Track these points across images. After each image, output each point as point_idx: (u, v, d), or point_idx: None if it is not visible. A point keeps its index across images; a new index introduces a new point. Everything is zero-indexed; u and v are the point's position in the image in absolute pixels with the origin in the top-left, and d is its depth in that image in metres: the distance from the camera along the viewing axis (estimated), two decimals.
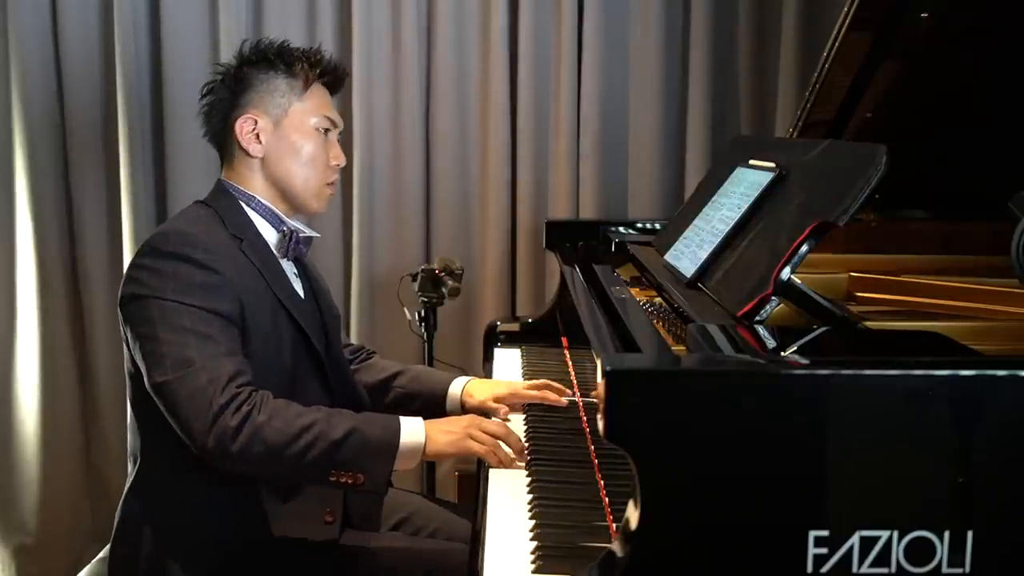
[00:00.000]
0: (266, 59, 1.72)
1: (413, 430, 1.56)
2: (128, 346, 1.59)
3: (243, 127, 1.70)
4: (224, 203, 1.70)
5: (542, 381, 1.92)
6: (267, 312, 1.63)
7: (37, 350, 2.89)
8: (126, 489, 1.69)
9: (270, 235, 1.72)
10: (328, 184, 1.77)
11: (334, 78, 1.79)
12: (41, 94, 2.82)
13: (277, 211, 1.73)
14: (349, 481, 1.51)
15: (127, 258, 2.81)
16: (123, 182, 2.79)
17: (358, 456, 1.50)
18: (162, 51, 2.80)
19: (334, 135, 1.78)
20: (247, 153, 1.71)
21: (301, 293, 1.75)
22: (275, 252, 1.71)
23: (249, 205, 1.71)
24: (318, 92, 1.75)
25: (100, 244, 2.89)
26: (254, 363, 1.56)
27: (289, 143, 1.71)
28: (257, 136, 1.70)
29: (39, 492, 2.95)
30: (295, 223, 1.75)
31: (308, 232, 1.77)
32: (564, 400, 1.87)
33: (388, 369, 1.99)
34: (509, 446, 1.61)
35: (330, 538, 1.65)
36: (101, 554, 1.85)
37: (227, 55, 2.73)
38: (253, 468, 1.50)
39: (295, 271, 1.77)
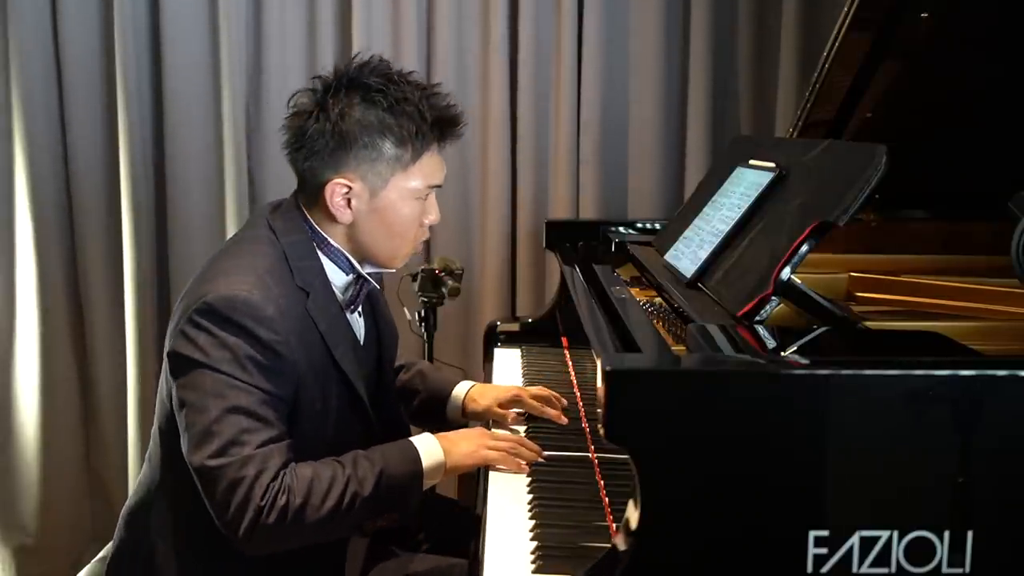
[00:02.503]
0: (373, 108, 1.50)
1: (430, 450, 1.52)
2: (166, 390, 1.50)
3: (334, 190, 1.51)
4: (295, 241, 1.54)
5: (546, 394, 1.85)
6: (319, 382, 1.52)
7: (37, 351, 2.89)
8: (131, 508, 1.63)
9: (338, 279, 1.58)
10: (417, 243, 1.62)
11: (452, 137, 1.58)
12: (41, 94, 2.81)
13: (351, 259, 1.58)
14: (385, 523, 1.51)
15: (127, 260, 2.81)
16: (123, 182, 2.79)
17: (391, 497, 1.46)
18: (162, 51, 2.79)
19: (434, 192, 1.60)
20: (333, 217, 1.54)
21: (361, 336, 1.66)
22: (340, 299, 1.58)
23: (322, 249, 1.56)
24: (429, 157, 1.55)
25: (100, 246, 2.88)
26: (296, 436, 1.47)
27: (383, 215, 1.54)
28: (348, 202, 1.53)
29: (39, 493, 2.94)
30: (365, 270, 1.61)
31: (381, 272, 1.65)
32: (564, 420, 1.79)
33: None
34: (527, 453, 1.60)
35: None
36: (101, 554, 1.84)
37: (227, 54, 2.74)
38: (297, 544, 1.45)
39: (359, 311, 1.66)
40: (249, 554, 1.42)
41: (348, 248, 1.58)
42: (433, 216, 1.61)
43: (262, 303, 1.43)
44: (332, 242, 1.57)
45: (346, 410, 1.58)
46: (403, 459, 1.49)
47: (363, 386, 1.60)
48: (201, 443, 1.39)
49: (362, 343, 1.66)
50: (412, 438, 1.54)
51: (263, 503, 1.37)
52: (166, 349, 1.49)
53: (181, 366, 1.44)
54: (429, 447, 1.52)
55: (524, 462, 1.58)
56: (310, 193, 1.56)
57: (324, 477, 1.42)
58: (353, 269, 1.59)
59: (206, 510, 1.42)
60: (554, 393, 1.86)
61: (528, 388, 1.88)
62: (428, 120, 1.52)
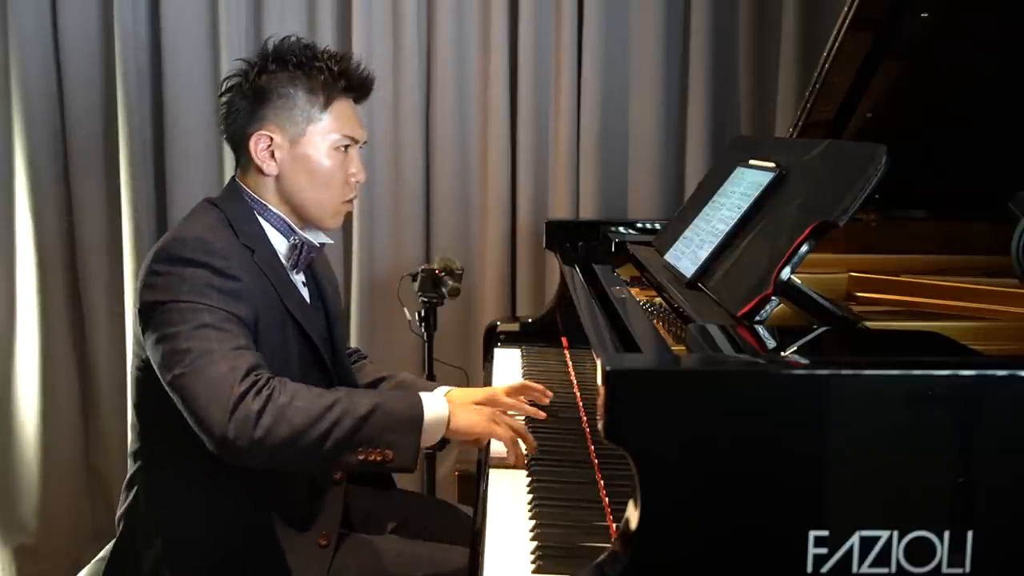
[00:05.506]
0: (286, 68, 1.64)
1: (436, 404, 1.55)
2: (141, 349, 1.57)
3: (257, 143, 1.64)
4: (236, 208, 1.65)
5: (519, 384, 1.79)
6: (278, 325, 1.61)
7: (37, 350, 2.89)
8: (124, 496, 1.67)
9: (280, 244, 1.68)
10: (345, 201, 1.71)
11: (360, 89, 1.71)
12: (41, 94, 2.81)
13: (289, 222, 1.68)
14: (378, 458, 1.47)
15: (127, 258, 2.81)
16: (123, 182, 2.79)
17: (384, 431, 1.47)
18: (162, 51, 2.80)
19: (355, 149, 1.70)
20: (260, 171, 1.65)
21: (308, 300, 1.73)
22: (284, 263, 1.67)
23: (261, 214, 1.67)
24: (341, 107, 1.67)
25: (100, 244, 2.88)
26: None
27: (305, 164, 1.65)
28: (272, 154, 1.64)
29: (39, 492, 2.95)
30: (306, 234, 1.70)
31: (320, 240, 1.73)
32: (541, 415, 1.72)
33: (374, 375, 1.95)
34: (526, 443, 1.61)
35: (324, 562, 1.62)
36: (101, 554, 1.84)
37: (227, 54, 2.74)
38: (276, 454, 1.44)
39: (303, 279, 1.74)
40: (229, 459, 1.44)
41: (283, 209, 1.68)
42: (358, 173, 1.70)
43: (210, 239, 1.55)
44: (270, 207, 1.67)
45: (307, 358, 1.66)
46: (405, 403, 1.53)
47: (318, 337, 1.67)
48: (173, 361, 1.47)
49: (310, 304, 1.72)
50: (422, 392, 1.58)
51: (244, 389, 1.43)
52: (135, 308, 1.57)
53: (149, 312, 1.52)
54: (434, 402, 1.55)
55: (521, 457, 1.59)
56: (240, 156, 1.69)
57: (315, 389, 1.50)
58: (293, 232, 1.68)
59: (186, 479, 1.49)
60: (530, 384, 1.78)
61: (505, 386, 1.77)
62: (335, 73, 1.65)
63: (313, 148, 1.65)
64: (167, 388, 1.49)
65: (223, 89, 1.69)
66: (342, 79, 1.66)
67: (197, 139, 2.83)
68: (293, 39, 1.67)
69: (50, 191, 2.86)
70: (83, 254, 2.89)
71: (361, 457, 1.47)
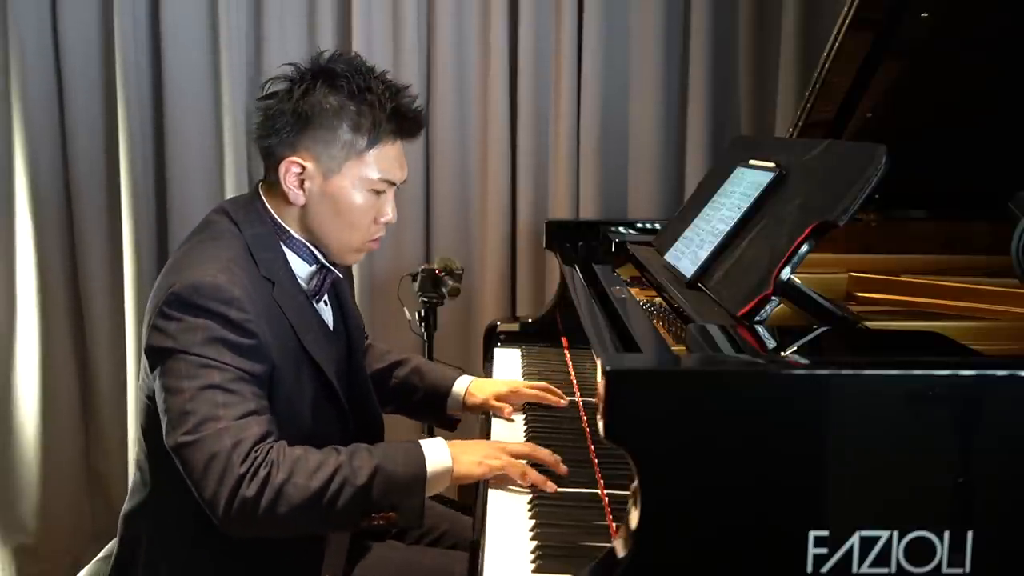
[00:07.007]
0: (335, 92, 1.52)
1: (438, 455, 1.46)
2: (149, 379, 1.49)
3: (288, 169, 1.53)
4: (258, 233, 1.56)
5: (543, 384, 1.90)
6: (292, 367, 1.53)
7: (37, 351, 2.89)
8: (127, 519, 1.62)
9: (302, 271, 1.60)
10: (371, 241, 1.62)
11: (410, 132, 1.60)
12: (41, 94, 2.81)
13: (312, 249, 1.60)
14: (382, 522, 1.43)
15: (127, 259, 2.81)
16: (123, 181, 2.79)
17: (387, 495, 1.41)
18: (162, 51, 2.79)
19: (392, 190, 1.61)
20: (286, 198, 1.56)
21: (330, 323, 1.67)
22: (305, 287, 1.60)
23: (283, 240, 1.58)
24: (385, 149, 1.56)
25: (100, 245, 2.88)
26: (276, 422, 1.46)
27: (334, 202, 1.55)
28: (301, 183, 1.55)
29: (39, 492, 2.94)
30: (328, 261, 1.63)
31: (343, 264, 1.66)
32: (563, 402, 1.86)
33: (386, 359, 1.96)
34: (540, 460, 1.53)
35: None
36: (101, 554, 1.84)
37: (227, 55, 2.74)
38: (277, 528, 1.40)
39: (325, 299, 1.67)
40: (233, 535, 1.39)
41: (305, 237, 1.59)
42: (389, 215, 1.61)
43: (228, 286, 1.44)
44: (293, 233, 1.59)
45: (320, 396, 1.58)
46: (406, 459, 1.44)
47: (333, 373, 1.60)
48: (177, 423, 1.39)
49: (331, 328, 1.67)
50: (422, 440, 1.49)
51: (243, 471, 1.35)
52: (142, 346, 1.50)
53: (157, 357, 1.45)
54: (437, 452, 1.47)
55: (530, 477, 1.49)
56: (270, 175, 1.59)
57: (313, 458, 1.40)
58: (316, 259, 1.61)
59: (192, 507, 1.42)
60: (552, 387, 1.89)
61: (526, 381, 1.93)
62: (386, 111, 1.54)
63: (346, 186, 1.55)
64: (169, 450, 1.41)
65: (265, 93, 1.58)
66: (393, 120, 1.55)
67: (197, 138, 2.83)
68: (351, 55, 1.58)
69: (50, 191, 2.85)
70: (83, 255, 2.88)
71: (364, 523, 1.43)
